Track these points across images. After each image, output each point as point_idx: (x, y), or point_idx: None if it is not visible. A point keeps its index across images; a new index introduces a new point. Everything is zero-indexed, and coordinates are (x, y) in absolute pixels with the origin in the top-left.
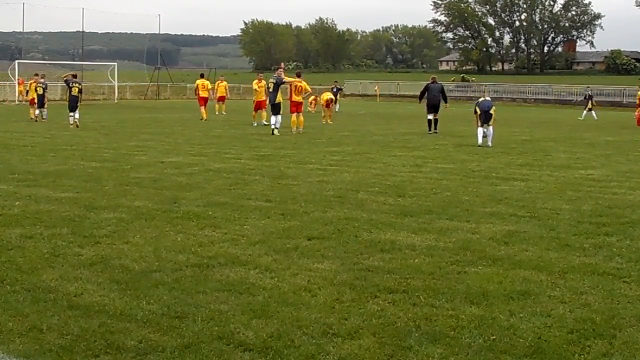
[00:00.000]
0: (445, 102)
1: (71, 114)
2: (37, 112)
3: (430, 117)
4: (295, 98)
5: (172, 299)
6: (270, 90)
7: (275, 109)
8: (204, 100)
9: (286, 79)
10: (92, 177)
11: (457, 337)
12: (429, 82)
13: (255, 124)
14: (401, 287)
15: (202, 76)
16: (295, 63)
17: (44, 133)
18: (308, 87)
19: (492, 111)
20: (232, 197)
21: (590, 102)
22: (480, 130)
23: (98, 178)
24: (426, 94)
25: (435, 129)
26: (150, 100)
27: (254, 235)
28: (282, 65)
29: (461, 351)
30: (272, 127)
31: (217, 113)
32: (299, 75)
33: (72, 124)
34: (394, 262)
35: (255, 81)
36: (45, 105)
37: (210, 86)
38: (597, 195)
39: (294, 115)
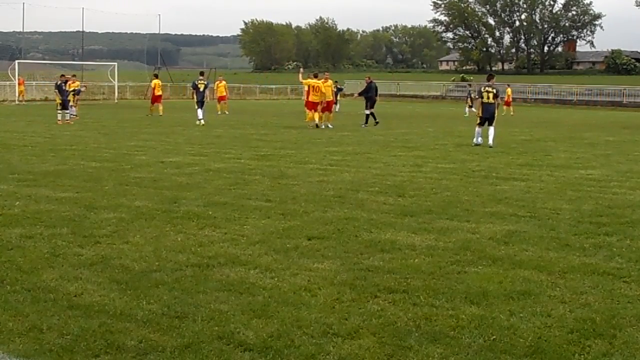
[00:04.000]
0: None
1: (61, 111)
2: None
3: (368, 112)
4: (313, 98)
5: (172, 298)
6: (201, 90)
7: (202, 105)
8: (158, 98)
9: (303, 81)
10: (92, 177)
11: (457, 337)
12: (369, 82)
13: (324, 126)
14: (401, 287)
15: (156, 76)
16: (295, 63)
17: (44, 133)
18: (323, 88)
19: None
20: (232, 197)
21: (469, 98)
22: (478, 130)
23: (98, 178)
24: (368, 93)
25: (376, 119)
26: None
27: (254, 235)
28: (301, 70)
29: (461, 351)
30: (199, 118)
31: (218, 113)
32: (315, 76)
33: (60, 121)
34: (394, 262)
35: (322, 81)
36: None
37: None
38: (597, 195)
39: (311, 112)
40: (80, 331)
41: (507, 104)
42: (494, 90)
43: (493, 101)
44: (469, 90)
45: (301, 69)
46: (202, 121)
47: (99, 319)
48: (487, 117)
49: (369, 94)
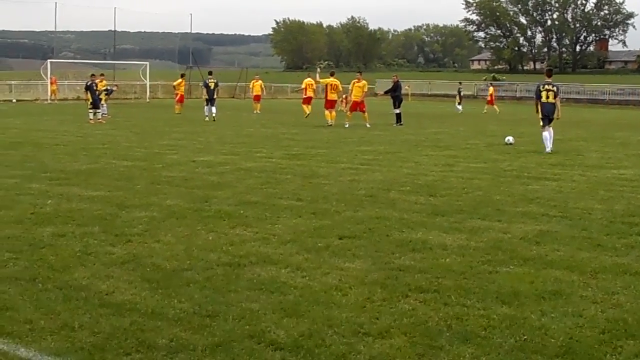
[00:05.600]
0: None
1: (92, 110)
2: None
3: (398, 110)
4: (331, 96)
5: (203, 297)
6: (212, 88)
7: (212, 102)
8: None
9: (321, 80)
10: (123, 175)
11: (488, 337)
12: (396, 81)
13: (347, 125)
14: (432, 286)
15: (182, 76)
16: (326, 62)
17: (76, 132)
18: (340, 86)
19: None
20: (264, 196)
21: (459, 96)
22: (546, 135)
23: (129, 177)
24: (396, 91)
25: (401, 121)
26: None
27: (285, 234)
28: (318, 70)
29: (492, 351)
30: (206, 115)
31: (255, 112)
32: (332, 75)
33: (91, 120)
34: (425, 262)
35: (355, 80)
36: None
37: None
38: (630, 195)
39: (328, 110)
40: (111, 329)
41: (490, 102)
42: (554, 89)
43: (553, 101)
44: (458, 88)
45: (318, 70)
46: (214, 116)
47: (130, 317)
48: (548, 117)
49: (396, 93)
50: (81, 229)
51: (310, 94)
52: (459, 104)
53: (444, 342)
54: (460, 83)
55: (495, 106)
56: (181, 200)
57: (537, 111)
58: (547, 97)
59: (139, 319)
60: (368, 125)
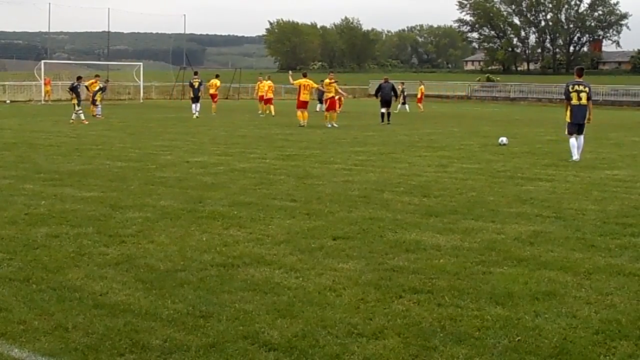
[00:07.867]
0: (396, 98)
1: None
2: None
3: (384, 110)
4: (304, 97)
5: (197, 298)
6: (195, 87)
7: (196, 100)
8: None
9: (294, 82)
10: (117, 176)
11: (482, 338)
12: (382, 82)
13: (329, 125)
14: (426, 287)
15: (217, 76)
16: (320, 63)
17: (70, 133)
18: (315, 85)
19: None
20: (257, 197)
21: (402, 96)
22: (573, 141)
23: (123, 177)
24: (380, 92)
25: (389, 121)
26: (176, 100)
27: (279, 235)
28: (290, 73)
29: (486, 352)
30: (193, 112)
31: (269, 113)
32: (305, 76)
33: (73, 120)
34: (419, 262)
35: (327, 80)
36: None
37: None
38: (623, 196)
39: (300, 111)
40: (105, 330)
41: (419, 100)
42: (587, 89)
43: (586, 103)
44: (402, 89)
45: (290, 72)
46: (197, 114)
47: (124, 318)
48: (578, 123)
49: (382, 93)
50: (75, 229)
51: (270, 95)
52: (404, 104)
53: (437, 342)
54: (402, 83)
55: (420, 105)
56: (175, 201)
57: (567, 111)
58: (579, 99)
59: (133, 319)
60: (336, 125)
